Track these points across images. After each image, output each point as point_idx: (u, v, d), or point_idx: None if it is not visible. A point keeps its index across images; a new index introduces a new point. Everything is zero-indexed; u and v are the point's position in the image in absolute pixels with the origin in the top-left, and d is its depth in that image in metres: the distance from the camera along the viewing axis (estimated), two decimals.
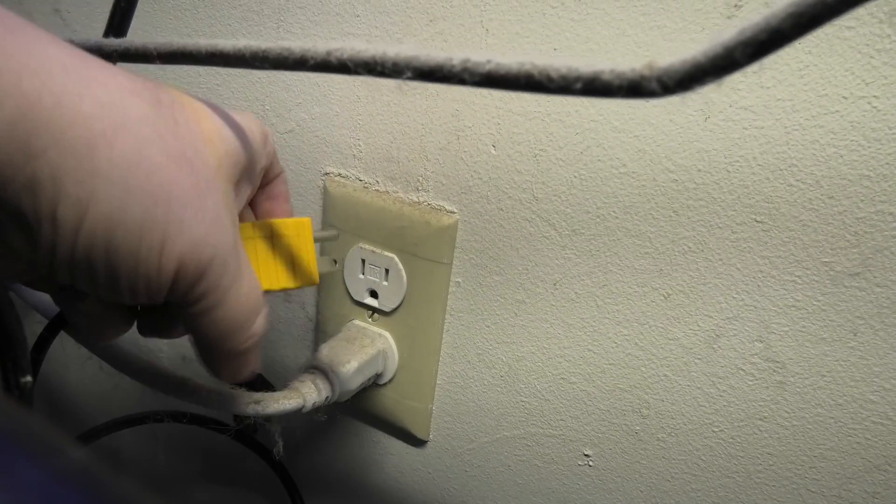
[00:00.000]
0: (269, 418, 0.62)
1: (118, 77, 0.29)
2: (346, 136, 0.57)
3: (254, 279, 0.35)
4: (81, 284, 0.30)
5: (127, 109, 0.28)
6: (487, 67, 0.24)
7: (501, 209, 0.51)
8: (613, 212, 0.46)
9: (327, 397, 0.52)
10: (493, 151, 0.50)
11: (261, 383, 0.67)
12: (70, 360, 0.94)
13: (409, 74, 0.26)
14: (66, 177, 0.26)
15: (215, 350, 0.35)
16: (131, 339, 0.84)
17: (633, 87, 0.22)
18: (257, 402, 0.47)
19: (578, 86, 0.23)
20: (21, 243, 0.28)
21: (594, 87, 0.23)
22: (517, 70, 0.24)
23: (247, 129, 0.36)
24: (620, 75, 0.22)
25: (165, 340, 0.80)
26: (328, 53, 0.28)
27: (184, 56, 0.32)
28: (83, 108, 0.26)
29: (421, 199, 0.54)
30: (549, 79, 0.23)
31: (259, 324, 0.35)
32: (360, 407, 0.63)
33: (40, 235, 0.27)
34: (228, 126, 0.35)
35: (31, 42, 0.26)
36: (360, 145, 0.57)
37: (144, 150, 0.28)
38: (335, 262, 0.48)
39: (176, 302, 0.32)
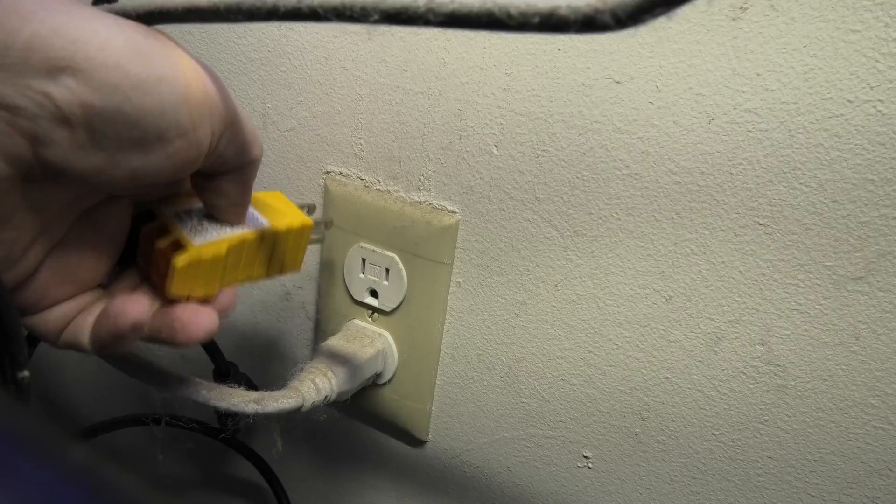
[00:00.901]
0: (267, 417, 0.62)
1: None
2: (348, 134, 0.57)
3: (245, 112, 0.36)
4: (127, 159, 0.31)
5: None
6: (451, 7, 0.25)
7: (503, 209, 0.51)
8: (616, 213, 0.46)
9: (326, 397, 0.52)
10: (495, 151, 0.50)
11: (246, 383, 0.67)
12: (66, 357, 0.94)
13: (376, 17, 0.26)
14: (67, 26, 0.28)
15: (238, 176, 0.37)
16: None
17: (588, 21, 0.23)
18: (257, 401, 0.47)
19: (535, 20, 0.24)
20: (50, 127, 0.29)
21: (550, 21, 0.23)
22: (479, 9, 0.24)
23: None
24: (576, 10, 0.23)
25: None
26: (298, 1, 0.28)
27: (161, 15, 0.32)
28: None
29: (422, 199, 0.54)
30: (509, 16, 0.24)
31: (259, 143, 0.38)
32: (360, 407, 0.63)
33: (62, 94, 0.28)
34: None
35: None
36: (361, 144, 0.57)
37: None
38: (325, 226, 0.48)
39: (214, 141, 0.34)
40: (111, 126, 0.29)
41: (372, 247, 0.56)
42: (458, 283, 0.55)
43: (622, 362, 0.49)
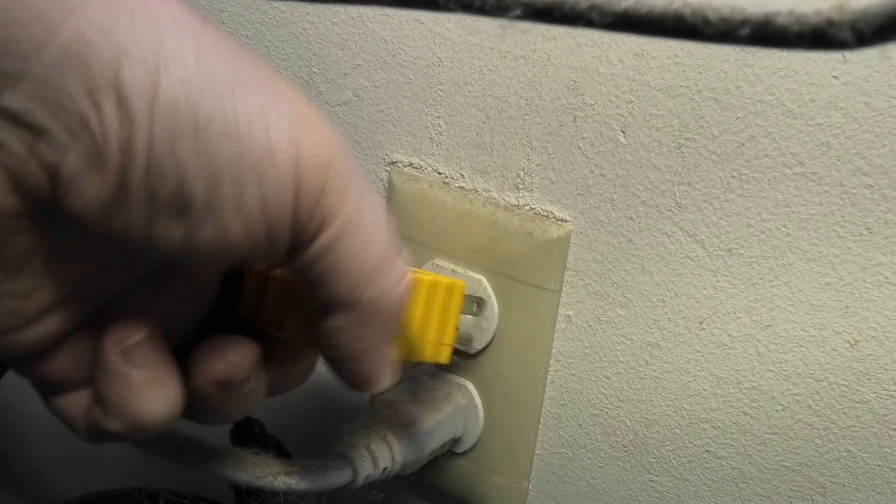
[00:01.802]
0: (305, 496, 0.65)
1: None
2: (422, 112, 0.61)
3: (379, 203, 0.36)
4: (167, 227, 0.31)
5: None
6: (624, 5, 0.25)
7: (631, 218, 0.55)
8: (784, 226, 0.50)
9: (385, 468, 0.55)
10: (621, 139, 0.54)
11: (275, 447, 0.70)
12: (33, 411, 0.98)
13: (518, 12, 0.27)
14: (120, 32, 0.28)
15: (350, 321, 0.37)
16: None
17: (818, 36, 0.23)
18: (290, 474, 0.49)
19: (745, 31, 0.24)
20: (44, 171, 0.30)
21: (765, 33, 0.24)
22: (664, 9, 0.25)
23: None
24: (801, 19, 0.23)
25: None
26: None
27: None
28: None
29: (521, 202, 0.59)
30: (706, 22, 0.24)
31: (403, 260, 0.38)
32: (430, 483, 0.67)
33: (102, 123, 0.29)
34: None
35: None
36: (440, 125, 0.61)
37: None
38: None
39: (293, 241, 0.34)
40: (152, 180, 0.30)
41: (451, 265, 0.60)
42: (568, 316, 0.59)
43: (789, 429, 0.53)
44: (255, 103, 0.31)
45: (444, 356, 0.53)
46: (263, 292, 0.43)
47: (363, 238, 0.35)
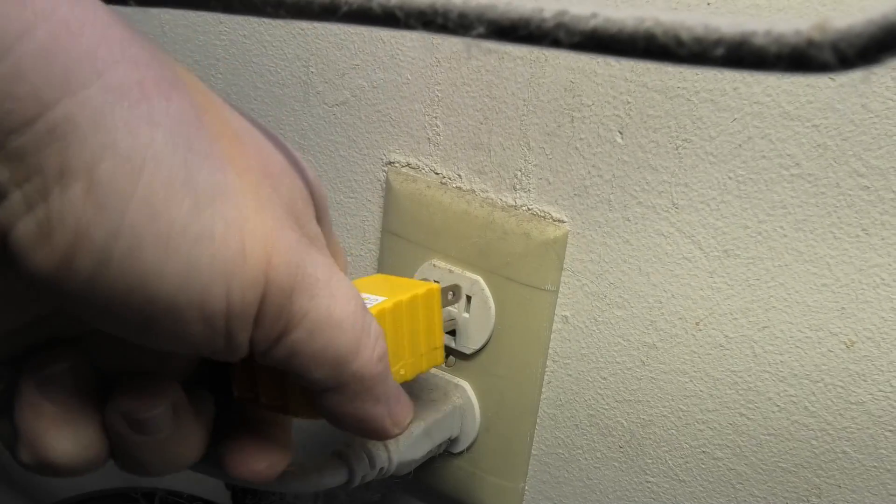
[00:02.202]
0: (301, 495, 0.65)
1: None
2: (419, 112, 0.62)
3: (345, 283, 0.37)
4: (106, 316, 0.32)
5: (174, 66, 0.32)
6: (592, 23, 0.24)
7: (628, 219, 0.55)
8: (780, 227, 0.50)
9: (382, 468, 0.55)
10: (619, 140, 0.54)
11: None
12: None
13: (482, 31, 0.26)
14: (112, 122, 0.28)
15: (340, 397, 0.39)
16: None
17: (797, 57, 0.22)
18: (286, 474, 0.49)
19: (719, 52, 0.23)
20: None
21: (741, 54, 0.23)
22: (634, 28, 0.24)
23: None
24: (779, 39, 0.22)
25: None
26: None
27: None
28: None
29: (518, 202, 0.59)
30: (679, 42, 0.23)
31: (375, 332, 0.39)
32: (427, 483, 0.67)
33: (62, 203, 0.28)
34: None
35: None
36: (437, 125, 0.61)
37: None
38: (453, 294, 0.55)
39: (261, 341, 0.35)
40: (108, 273, 0.30)
41: (448, 265, 0.61)
42: (565, 317, 0.59)
43: (785, 430, 0.53)
44: (233, 212, 0.31)
45: (440, 358, 0.55)
46: (252, 370, 0.43)
47: (333, 330, 0.36)
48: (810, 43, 0.22)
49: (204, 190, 0.30)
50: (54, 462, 0.36)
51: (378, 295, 0.50)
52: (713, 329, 0.54)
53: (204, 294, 0.31)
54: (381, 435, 0.42)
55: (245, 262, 0.31)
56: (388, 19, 0.28)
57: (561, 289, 0.59)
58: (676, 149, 0.52)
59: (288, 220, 0.35)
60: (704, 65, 0.23)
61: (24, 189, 0.28)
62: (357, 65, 0.64)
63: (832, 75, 0.46)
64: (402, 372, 0.51)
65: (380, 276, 0.57)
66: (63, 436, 0.36)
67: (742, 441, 0.55)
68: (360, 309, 0.37)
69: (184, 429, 0.39)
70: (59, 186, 0.28)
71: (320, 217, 0.41)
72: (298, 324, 0.34)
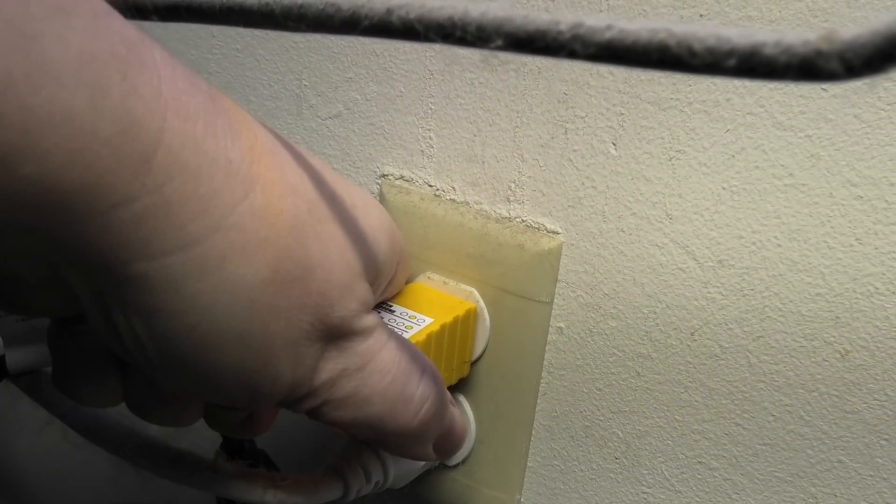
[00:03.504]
0: None
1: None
2: (413, 124, 0.62)
3: (393, 336, 0.42)
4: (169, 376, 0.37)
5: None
6: (608, 35, 0.25)
7: (622, 230, 0.55)
8: (774, 237, 0.50)
9: (377, 482, 0.56)
10: (612, 151, 0.54)
11: (264, 462, 0.71)
12: (23, 423, 0.98)
13: (500, 43, 0.26)
14: (191, 218, 0.32)
15: (389, 447, 0.45)
16: None
17: (806, 67, 0.23)
18: (279, 488, 0.50)
19: (731, 62, 0.24)
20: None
21: (752, 64, 0.23)
22: (648, 40, 0.25)
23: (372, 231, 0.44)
24: (788, 49, 0.23)
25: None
26: (388, 12, 0.29)
27: (191, 12, 0.35)
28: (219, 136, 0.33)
29: (513, 214, 0.59)
30: (692, 53, 0.24)
31: (419, 397, 0.43)
32: (422, 496, 0.68)
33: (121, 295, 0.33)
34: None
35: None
36: (431, 138, 0.62)
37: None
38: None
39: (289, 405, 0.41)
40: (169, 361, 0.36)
41: (443, 278, 0.61)
42: (560, 328, 0.59)
43: (780, 439, 0.53)
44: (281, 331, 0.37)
45: (467, 370, 0.59)
46: None
47: (361, 406, 0.41)
48: (818, 53, 0.22)
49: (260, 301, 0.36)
50: (81, 398, 0.44)
51: (423, 314, 0.54)
52: (708, 339, 0.54)
53: (256, 384, 0.38)
54: (442, 457, 0.49)
55: (286, 378, 0.38)
56: (408, 32, 0.28)
57: (556, 300, 0.59)
58: (670, 160, 0.52)
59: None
60: (717, 74, 0.24)
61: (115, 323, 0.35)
62: (350, 78, 0.64)
63: (826, 85, 0.46)
64: None
65: (419, 286, 0.59)
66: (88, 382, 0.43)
67: (738, 451, 0.55)
68: (397, 381, 0.42)
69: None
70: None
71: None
72: (325, 401, 0.40)
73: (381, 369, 0.41)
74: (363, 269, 0.40)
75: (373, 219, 0.44)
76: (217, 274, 0.33)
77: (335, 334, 0.40)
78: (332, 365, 0.40)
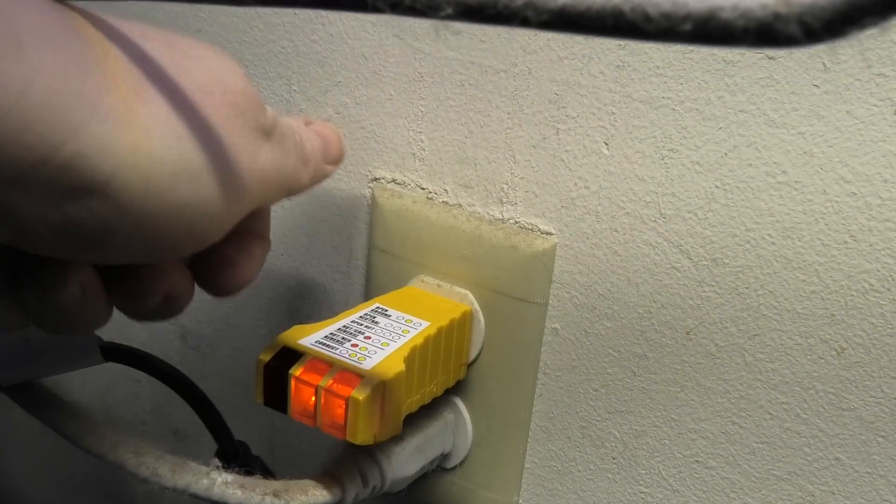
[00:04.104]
0: None
1: None
2: (404, 127, 0.62)
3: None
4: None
5: None
6: (561, 2, 0.24)
7: (616, 230, 0.55)
8: (769, 235, 0.50)
9: (374, 487, 0.56)
10: (605, 151, 0.54)
11: (260, 469, 0.71)
12: (17, 434, 0.98)
13: (450, 11, 0.26)
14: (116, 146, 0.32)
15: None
16: (102, 409, 0.90)
17: (763, 31, 0.22)
18: (277, 494, 0.50)
19: (687, 27, 0.23)
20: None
21: (709, 29, 0.23)
22: (602, 5, 0.24)
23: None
24: (746, 13, 0.22)
25: (149, 408, 0.85)
26: None
27: None
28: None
29: (506, 216, 0.59)
30: (647, 18, 0.23)
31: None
32: (420, 499, 0.67)
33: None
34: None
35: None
36: (422, 140, 0.61)
37: None
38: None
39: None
40: (116, 241, 0.35)
41: (437, 281, 0.61)
42: (555, 329, 0.59)
43: (777, 437, 0.53)
44: (224, 178, 0.37)
45: (463, 373, 0.60)
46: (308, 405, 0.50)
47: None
48: (776, 16, 0.22)
49: (200, 167, 0.35)
50: None
51: (419, 317, 0.55)
52: (703, 338, 0.54)
53: (202, 234, 0.38)
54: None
55: (228, 213, 0.38)
56: (357, 3, 0.28)
57: (550, 301, 0.59)
58: (662, 158, 0.52)
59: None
60: (672, 40, 0.24)
61: (37, 216, 0.32)
62: (339, 82, 0.64)
63: (817, 81, 0.46)
64: (434, 391, 0.56)
65: (413, 290, 0.60)
66: None
67: (735, 449, 0.55)
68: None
69: (92, 300, 0.42)
70: (75, 202, 0.32)
71: None
72: None
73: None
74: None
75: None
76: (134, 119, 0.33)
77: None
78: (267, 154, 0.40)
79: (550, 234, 0.58)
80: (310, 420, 0.49)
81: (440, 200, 0.61)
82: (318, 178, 0.46)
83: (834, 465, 0.51)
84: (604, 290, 0.57)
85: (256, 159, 0.39)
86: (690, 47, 0.50)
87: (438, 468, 0.65)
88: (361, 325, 0.54)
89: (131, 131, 0.32)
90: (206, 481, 0.48)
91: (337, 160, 0.48)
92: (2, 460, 1.02)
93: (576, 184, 0.56)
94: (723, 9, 0.22)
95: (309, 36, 0.64)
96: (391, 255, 0.63)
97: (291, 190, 0.43)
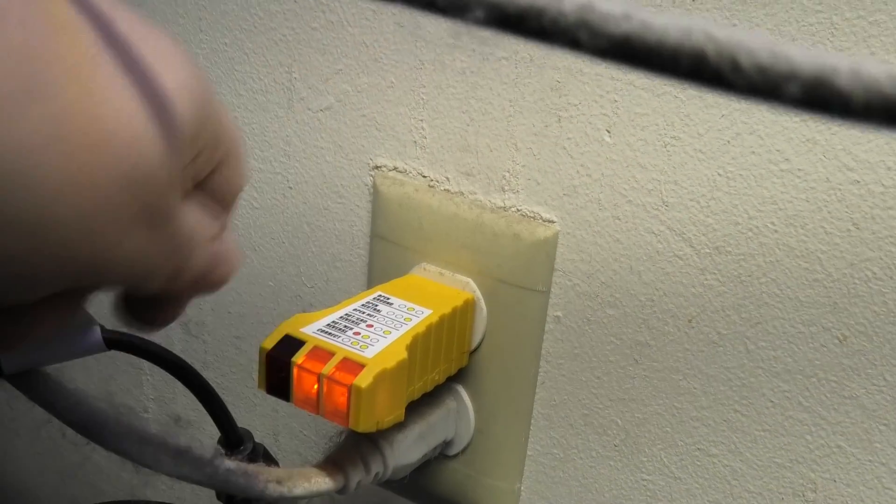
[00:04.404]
0: (296, 502, 0.65)
1: None
2: (405, 115, 0.62)
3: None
4: None
5: None
6: (625, 27, 0.19)
7: (618, 218, 0.55)
8: (771, 223, 0.50)
9: (377, 474, 0.56)
10: (607, 139, 0.54)
11: (263, 457, 0.71)
12: (20, 422, 0.99)
13: (479, 14, 0.20)
14: None
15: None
16: (105, 395, 0.90)
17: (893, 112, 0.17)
18: (280, 481, 0.50)
19: (792, 89, 0.18)
20: None
21: (819, 95, 0.18)
22: (678, 41, 0.18)
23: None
24: (870, 85, 0.17)
25: (152, 396, 0.85)
26: None
27: None
28: None
29: (508, 204, 0.59)
30: (736, 67, 0.18)
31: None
32: (422, 486, 0.68)
33: None
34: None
35: None
36: (423, 128, 0.61)
37: None
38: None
39: None
40: None
41: (439, 269, 0.61)
42: (557, 317, 0.59)
43: (780, 425, 0.53)
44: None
45: (465, 361, 0.60)
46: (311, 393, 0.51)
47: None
48: None
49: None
50: None
51: (421, 305, 0.55)
52: (706, 326, 0.54)
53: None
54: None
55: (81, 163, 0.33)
56: None
57: (552, 289, 0.59)
58: (665, 146, 0.52)
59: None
60: (768, 101, 0.18)
61: None
62: (340, 69, 0.64)
63: None
64: (437, 378, 0.56)
65: (415, 278, 0.61)
66: None
67: (737, 437, 0.55)
68: None
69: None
70: None
71: None
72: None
73: None
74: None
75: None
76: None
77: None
78: None
79: (552, 221, 0.58)
80: (312, 408, 0.49)
81: (442, 188, 0.61)
82: (173, 290, 0.39)
83: (836, 452, 0.52)
84: (606, 278, 0.57)
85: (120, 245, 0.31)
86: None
87: (441, 455, 0.65)
88: (363, 313, 0.54)
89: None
90: (209, 469, 0.48)
91: (211, 287, 0.43)
92: (6, 448, 1.02)
93: (578, 171, 0.56)
94: (839, 71, 0.17)
95: (309, 24, 0.64)
96: (393, 243, 0.63)
97: (137, 288, 0.36)
